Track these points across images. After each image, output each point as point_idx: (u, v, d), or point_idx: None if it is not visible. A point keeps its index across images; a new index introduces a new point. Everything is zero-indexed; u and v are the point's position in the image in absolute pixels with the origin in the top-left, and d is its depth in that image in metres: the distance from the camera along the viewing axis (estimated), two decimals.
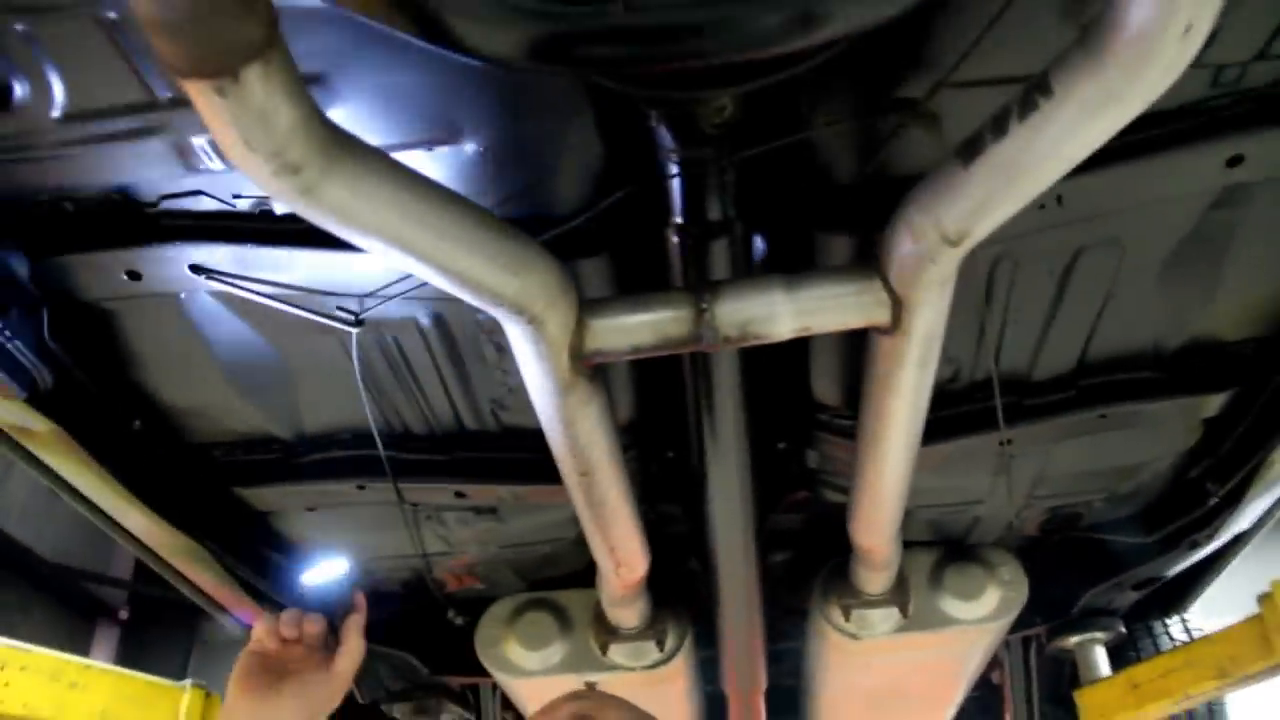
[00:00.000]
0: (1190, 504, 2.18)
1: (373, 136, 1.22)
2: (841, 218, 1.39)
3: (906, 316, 1.25)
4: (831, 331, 1.33)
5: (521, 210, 1.37)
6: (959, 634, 2.28)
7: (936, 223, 1.13)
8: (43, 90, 1.17)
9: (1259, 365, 1.81)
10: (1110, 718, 2.53)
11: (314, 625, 1.47)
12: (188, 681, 2.30)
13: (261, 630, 1.46)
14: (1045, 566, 2.46)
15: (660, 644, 2.31)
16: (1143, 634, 2.98)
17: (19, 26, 1.11)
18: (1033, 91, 0.99)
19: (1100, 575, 2.40)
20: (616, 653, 2.30)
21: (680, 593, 2.41)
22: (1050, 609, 2.57)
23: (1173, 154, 1.38)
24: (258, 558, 2.08)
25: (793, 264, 1.47)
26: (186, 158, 1.27)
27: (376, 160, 1.00)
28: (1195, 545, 2.25)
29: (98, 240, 1.37)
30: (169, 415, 1.75)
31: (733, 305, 1.23)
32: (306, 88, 0.90)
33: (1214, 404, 1.90)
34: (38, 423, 1.52)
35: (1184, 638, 2.94)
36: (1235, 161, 1.39)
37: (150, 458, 1.75)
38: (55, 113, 1.19)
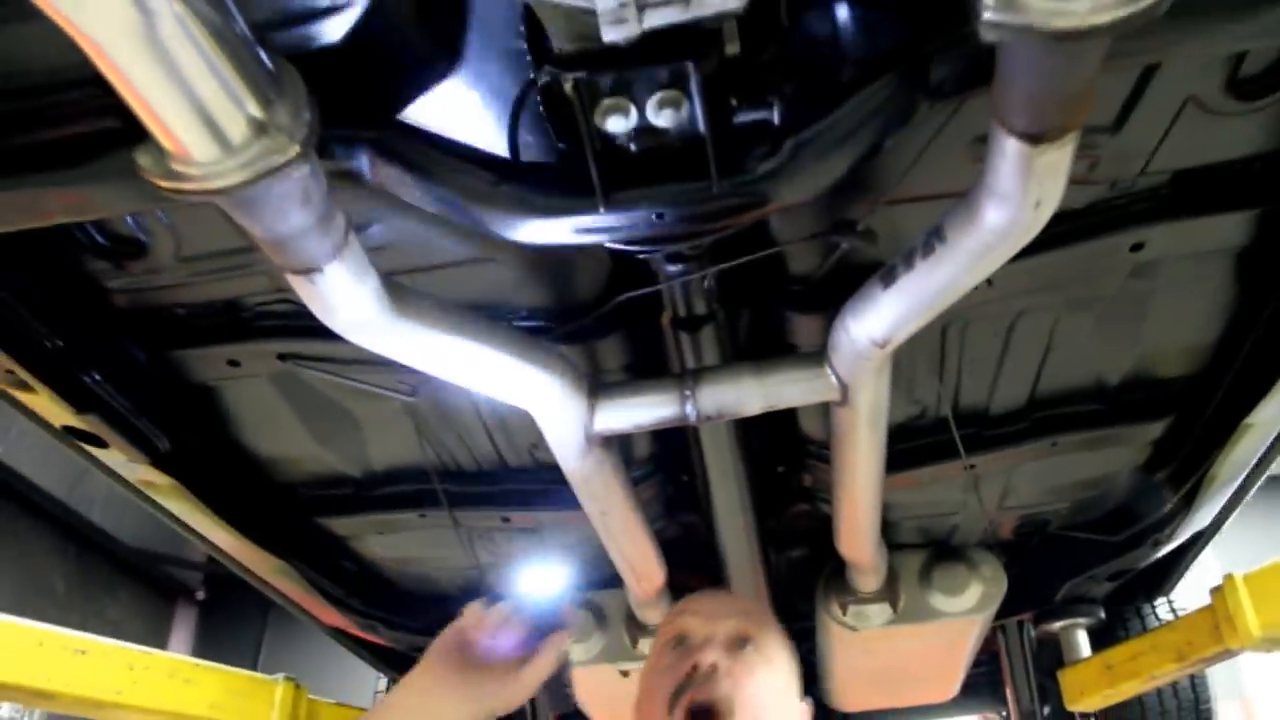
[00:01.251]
0: (1150, 508, 2.46)
1: (426, 257, 1.55)
2: (803, 302, 1.69)
3: (852, 394, 1.55)
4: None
5: (546, 303, 1.68)
6: (946, 625, 2.58)
7: (866, 330, 1.42)
8: (167, 241, 1.50)
9: (1190, 397, 2.08)
10: (1088, 694, 2.82)
11: (518, 630, 1.39)
12: (280, 675, 2.66)
13: (472, 616, 1.40)
14: (1029, 561, 2.75)
15: None
16: (1131, 615, 3.26)
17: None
18: (931, 237, 1.28)
19: (1076, 569, 2.68)
20: (646, 646, 2.62)
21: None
22: (1037, 598, 2.85)
23: (1086, 243, 1.66)
24: (339, 571, 2.43)
25: (768, 338, 1.78)
26: (276, 280, 1.60)
27: (430, 308, 1.32)
28: (1158, 543, 2.52)
29: (205, 339, 1.71)
30: (261, 463, 2.09)
31: (711, 391, 1.54)
32: (372, 266, 1.22)
33: (1157, 429, 2.17)
34: (158, 478, 1.87)
35: (1170, 617, 3.21)
36: (1138, 247, 1.66)
37: (246, 496, 2.10)
38: (176, 255, 1.53)
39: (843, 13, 1.20)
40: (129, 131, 1.24)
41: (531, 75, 1.21)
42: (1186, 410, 2.10)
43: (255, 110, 0.97)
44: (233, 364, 1.75)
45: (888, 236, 1.55)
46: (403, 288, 1.29)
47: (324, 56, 1.16)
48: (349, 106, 1.18)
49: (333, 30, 1.17)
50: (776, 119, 1.21)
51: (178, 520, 2.05)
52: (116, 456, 1.77)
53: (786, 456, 2.27)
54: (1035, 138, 1.05)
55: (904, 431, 2.07)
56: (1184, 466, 2.25)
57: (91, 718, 2.26)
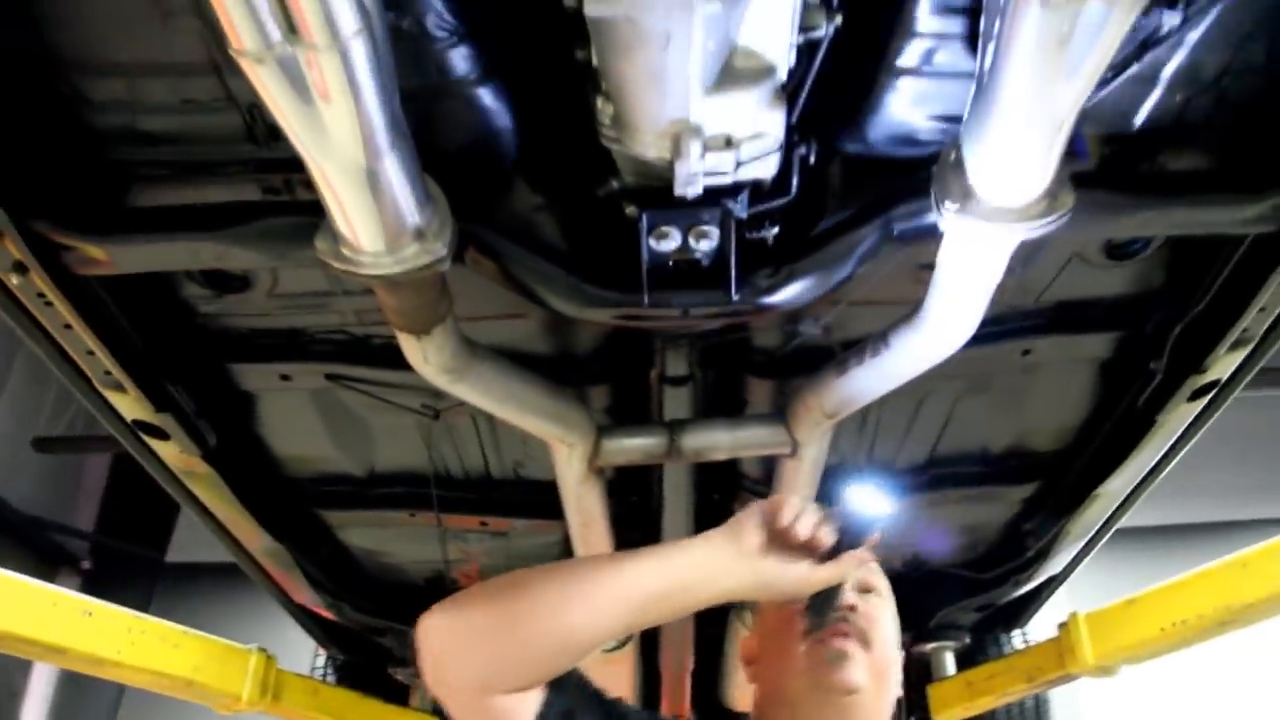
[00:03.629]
0: (1015, 554, 2.95)
1: (470, 309, 1.90)
2: (762, 370, 2.10)
3: (801, 450, 1.97)
4: None
5: (556, 351, 2.05)
6: None
7: (820, 403, 1.84)
8: (266, 281, 1.83)
9: (1055, 468, 2.56)
10: (950, 707, 3.30)
11: (829, 530, 1.34)
12: (254, 646, 2.95)
13: (791, 503, 1.36)
14: (910, 590, 3.21)
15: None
16: (991, 643, 3.78)
17: None
18: (878, 342, 1.71)
19: (950, 599, 3.16)
20: None
21: None
22: (914, 622, 3.33)
23: (989, 346, 2.10)
24: (319, 556, 2.75)
25: (736, 395, 2.19)
26: (344, 317, 1.93)
27: (492, 361, 1.69)
28: (1019, 583, 3.02)
29: (267, 357, 2.02)
30: (277, 458, 2.41)
31: (693, 438, 1.94)
32: (457, 328, 1.58)
33: (1027, 490, 2.65)
34: (201, 468, 2.17)
35: (1023, 645, 3.73)
36: (1027, 352, 2.11)
37: (261, 485, 2.41)
38: (269, 293, 1.85)
39: (834, 179, 1.61)
40: (268, 204, 1.59)
41: (597, 191, 1.58)
42: (1051, 478, 2.59)
43: (416, 220, 1.33)
44: (284, 378, 2.07)
45: (838, 327, 1.97)
46: (473, 344, 1.66)
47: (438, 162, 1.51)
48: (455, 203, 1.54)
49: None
50: (780, 249, 1.61)
51: (195, 501, 2.35)
52: (172, 448, 2.07)
53: (722, 487, 2.68)
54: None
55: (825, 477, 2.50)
56: (1045, 522, 2.73)
57: (94, 674, 2.52)
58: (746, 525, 1.33)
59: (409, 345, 1.55)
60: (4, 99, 1.39)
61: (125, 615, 2.57)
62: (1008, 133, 1.20)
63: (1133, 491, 2.50)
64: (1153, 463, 2.35)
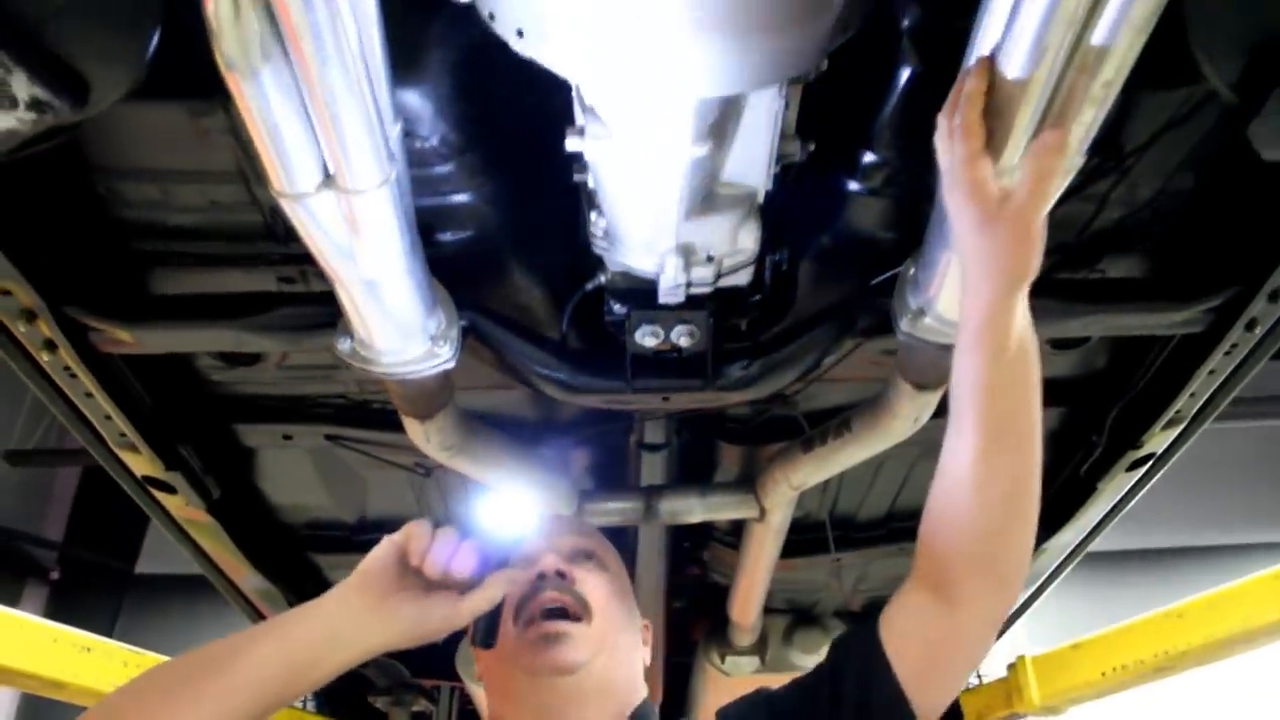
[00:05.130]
0: None
1: (462, 380, 2.03)
2: (734, 438, 2.25)
3: (768, 516, 2.12)
4: None
5: (539, 419, 2.19)
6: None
7: (786, 477, 1.99)
8: (277, 355, 1.94)
9: None
10: None
11: (466, 557, 1.21)
12: None
13: (416, 533, 1.23)
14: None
15: None
16: None
17: None
18: (841, 426, 1.86)
19: None
20: None
21: None
22: None
23: (941, 419, 2.24)
24: (309, 595, 2.86)
25: (709, 459, 2.34)
26: (347, 387, 2.06)
27: (484, 435, 1.82)
28: None
29: (271, 418, 2.14)
30: (273, 506, 2.52)
31: (668, 504, 2.09)
32: (457, 410, 1.72)
33: None
34: (204, 519, 2.28)
35: (975, 683, 3.89)
36: None
37: (257, 532, 2.52)
38: (279, 365, 1.97)
39: (805, 277, 1.75)
40: (284, 295, 1.72)
41: (586, 286, 1.72)
42: None
43: (427, 325, 1.47)
44: (286, 437, 2.19)
45: (804, 401, 2.12)
46: (470, 423, 1.79)
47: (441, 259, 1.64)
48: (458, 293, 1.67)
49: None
50: (753, 339, 1.76)
51: (194, 545, 2.46)
52: (178, 500, 2.19)
53: (693, 537, 2.83)
54: (921, 386, 1.64)
55: (791, 529, 2.65)
56: None
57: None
58: (372, 573, 1.21)
59: (413, 427, 1.68)
60: (44, 198, 1.51)
61: (121, 650, 2.68)
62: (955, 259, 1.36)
63: (1077, 547, 2.67)
64: (1094, 523, 2.52)
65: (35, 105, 1.16)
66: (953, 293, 1.43)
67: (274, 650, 1.16)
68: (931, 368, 1.61)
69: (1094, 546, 2.91)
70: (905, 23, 1.38)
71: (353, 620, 1.19)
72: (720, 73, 1.09)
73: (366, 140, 1.11)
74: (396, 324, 1.41)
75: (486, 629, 1.28)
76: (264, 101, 1.03)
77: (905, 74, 1.41)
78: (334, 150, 1.11)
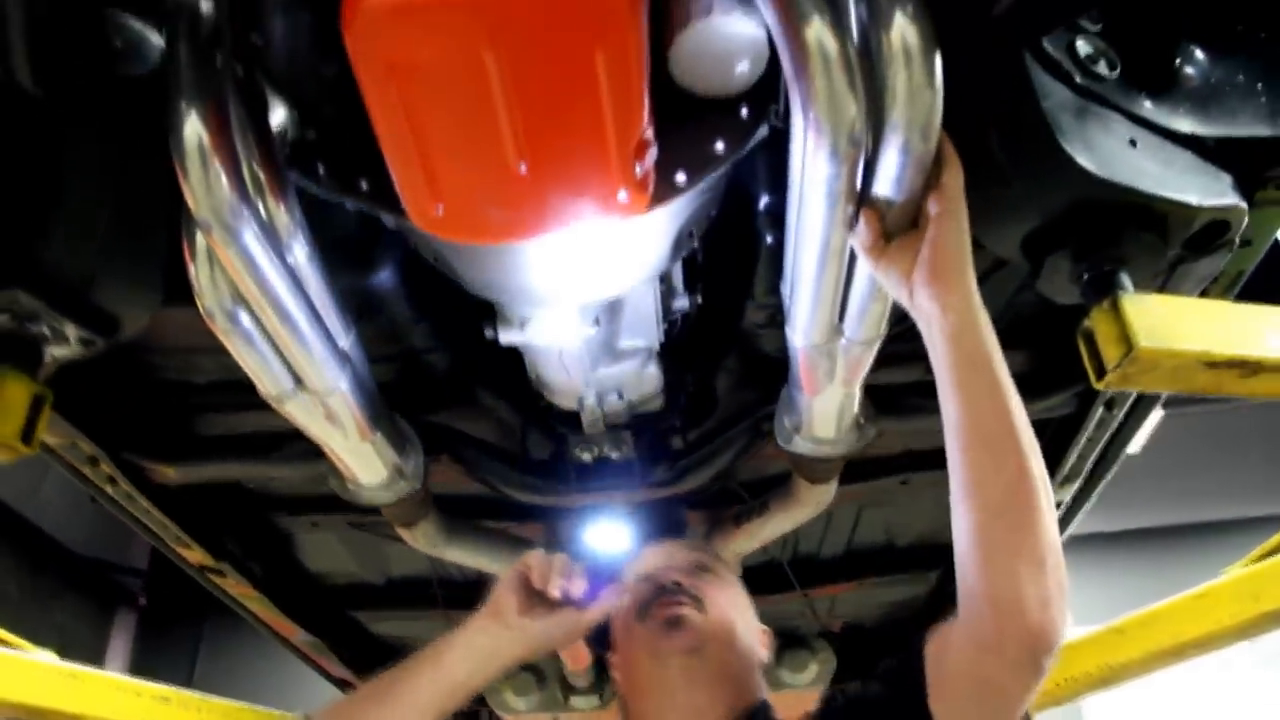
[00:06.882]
0: (940, 615, 3.39)
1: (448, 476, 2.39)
2: (692, 504, 2.58)
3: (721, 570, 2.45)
4: None
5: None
6: (792, 694, 3.50)
7: (725, 546, 2.32)
8: None
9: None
10: None
11: (579, 580, 1.44)
12: (299, 713, 3.44)
13: (535, 561, 1.46)
14: (855, 646, 3.69)
15: (600, 696, 3.52)
16: None
17: None
18: (761, 506, 2.19)
19: (887, 651, 3.61)
20: (574, 701, 3.50)
21: None
22: (859, 673, 3.79)
23: (869, 482, 2.52)
24: (350, 642, 3.27)
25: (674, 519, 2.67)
26: None
27: (461, 531, 2.18)
28: None
29: (300, 510, 2.52)
30: (309, 572, 2.91)
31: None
32: (436, 513, 2.08)
33: (934, 575, 3.12)
34: (252, 593, 2.68)
35: None
36: (905, 481, 2.57)
37: (299, 596, 2.92)
38: None
39: (721, 391, 2.06)
40: (293, 433, 2.07)
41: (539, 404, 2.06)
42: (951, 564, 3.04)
43: (398, 464, 1.83)
44: (314, 525, 2.58)
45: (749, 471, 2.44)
46: (449, 523, 2.15)
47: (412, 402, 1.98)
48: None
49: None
50: (681, 439, 2.09)
51: (247, 610, 2.86)
52: (230, 581, 2.59)
53: None
54: (815, 481, 1.96)
55: (758, 569, 2.97)
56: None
57: None
58: (501, 600, 1.45)
59: (403, 531, 2.05)
60: (96, 374, 1.89)
61: (195, 698, 3.08)
62: (815, 387, 1.68)
63: None
64: None
65: (82, 341, 1.53)
66: (819, 416, 1.75)
67: (430, 678, 1.43)
68: (821, 467, 1.93)
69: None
70: (760, 204, 1.68)
71: (493, 641, 1.45)
72: (592, 287, 1.43)
73: (322, 354, 1.46)
74: (373, 470, 1.77)
75: (599, 636, 1.55)
76: (239, 338, 1.39)
77: (768, 240, 1.70)
78: (298, 364, 1.47)
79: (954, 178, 1.15)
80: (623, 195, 1.08)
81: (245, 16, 1.19)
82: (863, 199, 1.18)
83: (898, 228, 1.18)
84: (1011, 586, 1.16)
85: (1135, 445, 2.36)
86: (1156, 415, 2.32)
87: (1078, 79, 1.33)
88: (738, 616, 1.63)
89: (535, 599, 1.45)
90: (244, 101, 1.16)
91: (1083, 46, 1.34)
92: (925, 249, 1.16)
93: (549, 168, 1.05)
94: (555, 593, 1.44)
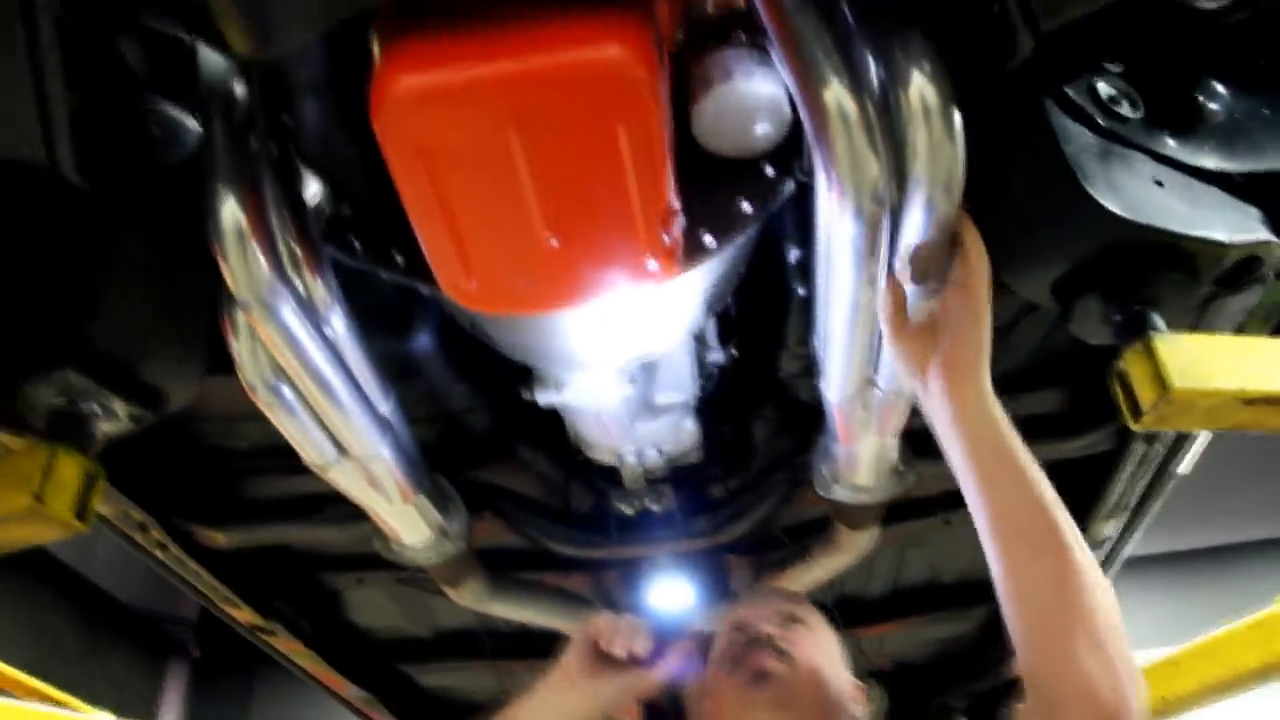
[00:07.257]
0: (992, 649, 3.36)
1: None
2: (744, 551, 2.57)
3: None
4: None
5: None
6: None
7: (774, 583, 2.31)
8: None
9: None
10: None
11: (644, 640, 1.48)
12: None
13: (604, 623, 1.50)
14: (908, 682, 3.65)
15: None
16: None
17: None
18: (804, 552, 2.18)
19: (938, 689, 3.58)
20: None
21: None
22: (911, 709, 3.75)
23: (910, 523, 2.51)
24: (400, 694, 3.28)
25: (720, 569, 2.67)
26: None
27: (505, 587, 2.19)
28: (998, 676, 3.43)
29: (346, 567, 2.55)
30: (358, 628, 2.94)
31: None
32: (480, 569, 2.09)
33: (981, 611, 3.08)
34: (303, 649, 2.70)
35: None
36: (948, 521, 2.55)
37: (348, 651, 2.94)
38: None
39: (759, 440, 2.07)
40: (335, 494, 2.10)
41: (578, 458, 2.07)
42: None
43: (442, 524, 1.84)
44: (360, 581, 2.60)
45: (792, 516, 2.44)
46: (494, 581, 2.16)
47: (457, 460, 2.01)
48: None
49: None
50: (716, 496, 2.10)
51: (295, 665, 2.88)
52: (280, 640, 2.61)
53: None
54: (855, 527, 1.96)
55: None
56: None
57: None
58: (571, 661, 1.50)
59: (448, 590, 2.06)
60: (153, 444, 1.93)
61: None
62: (851, 437, 1.68)
63: None
64: None
65: (131, 417, 1.56)
66: (855, 465, 1.75)
67: None
68: (861, 513, 1.93)
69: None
70: (790, 257, 1.70)
71: (565, 702, 1.49)
72: (626, 349, 1.45)
73: (362, 422, 1.49)
74: (417, 532, 1.79)
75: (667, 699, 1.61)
76: (281, 410, 1.41)
77: (799, 292, 1.72)
78: (340, 432, 1.49)
79: (976, 272, 1.17)
80: (652, 263, 1.10)
81: (277, 99, 1.22)
82: (890, 255, 1.19)
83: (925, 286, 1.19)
84: (1076, 673, 1.10)
85: (1186, 466, 2.32)
86: (1204, 438, 2.28)
87: (1100, 121, 1.32)
88: (828, 669, 1.60)
89: (603, 659, 1.49)
90: (279, 179, 1.20)
91: (1104, 88, 1.34)
92: (945, 342, 1.18)
93: (578, 241, 1.07)
94: (620, 653, 1.48)
